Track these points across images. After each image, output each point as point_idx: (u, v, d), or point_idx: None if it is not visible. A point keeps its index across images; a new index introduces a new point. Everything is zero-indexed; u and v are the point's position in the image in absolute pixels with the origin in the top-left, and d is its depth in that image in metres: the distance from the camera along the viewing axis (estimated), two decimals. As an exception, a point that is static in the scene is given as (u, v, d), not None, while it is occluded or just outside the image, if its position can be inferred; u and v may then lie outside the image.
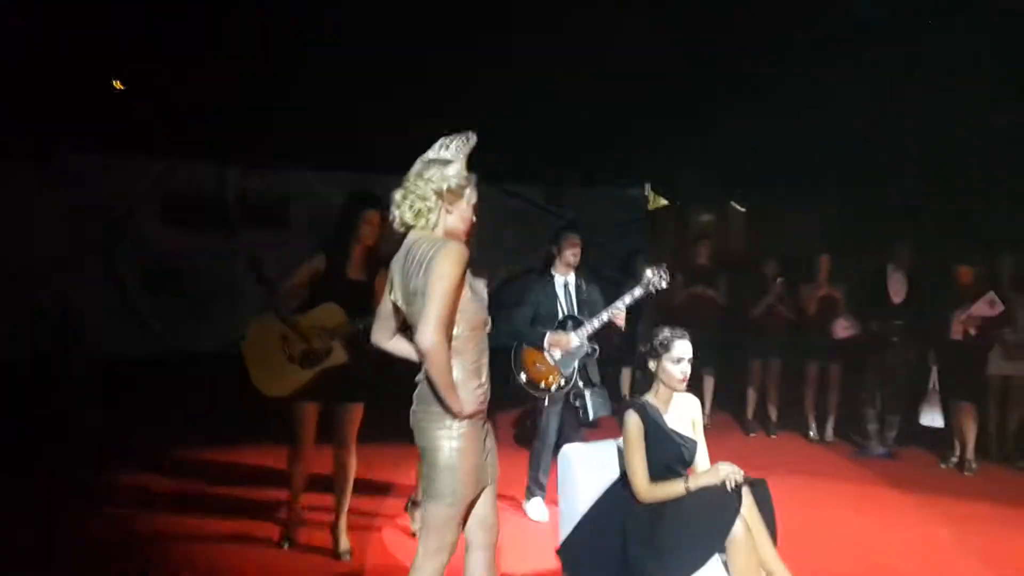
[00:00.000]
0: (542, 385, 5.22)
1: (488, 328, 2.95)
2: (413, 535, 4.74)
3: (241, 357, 4.30)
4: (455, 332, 2.79)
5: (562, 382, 5.24)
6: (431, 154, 2.89)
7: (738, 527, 3.36)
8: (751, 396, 7.99)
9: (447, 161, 2.86)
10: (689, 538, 3.37)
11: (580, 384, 5.32)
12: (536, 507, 5.30)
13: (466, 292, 2.81)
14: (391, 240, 4.34)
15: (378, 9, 7.48)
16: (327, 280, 4.31)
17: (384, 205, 4.32)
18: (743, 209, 11.88)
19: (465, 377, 2.82)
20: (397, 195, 2.88)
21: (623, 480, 3.67)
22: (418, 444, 2.91)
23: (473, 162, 2.95)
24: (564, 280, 5.46)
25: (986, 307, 6.52)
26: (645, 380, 3.79)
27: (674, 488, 3.51)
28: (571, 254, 5.43)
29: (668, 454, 3.63)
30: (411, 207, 2.84)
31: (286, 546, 4.48)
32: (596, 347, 5.32)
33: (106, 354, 8.45)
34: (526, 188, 10.72)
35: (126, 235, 9.07)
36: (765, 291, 7.76)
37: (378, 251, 4.39)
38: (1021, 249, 7.10)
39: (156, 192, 9.20)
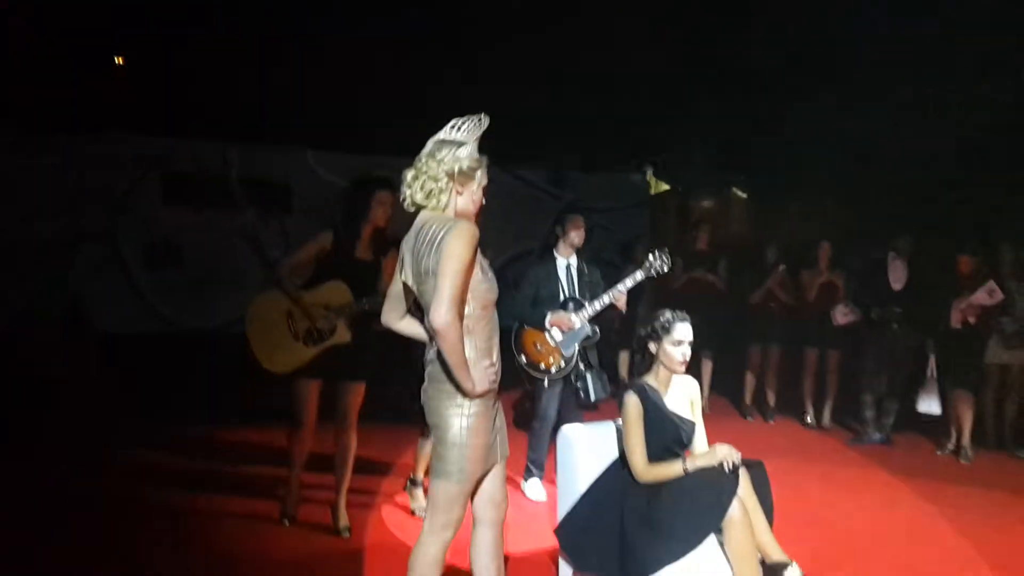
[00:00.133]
0: (542, 366, 5.24)
1: None
2: (412, 513, 4.80)
3: (244, 333, 4.31)
4: (466, 311, 2.81)
5: (562, 364, 5.26)
6: (443, 135, 2.89)
7: (735, 508, 3.38)
8: (749, 381, 8.03)
9: (460, 143, 2.87)
10: (686, 518, 3.39)
11: (581, 366, 5.34)
12: (534, 487, 5.34)
13: (477, 272, 2.83)
14: (398, 221, 4.42)
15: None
16: (334, 259, 4.32)
17: (396, 187, 4.39)
18: (744, 195, 11.87)
19: (477, 356, 2.84)
20: (408, 175, 2.89)
21: (621, 461, 3.70)
22: (429, 421, 2.94)
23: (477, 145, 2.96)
24: (566, 262, 5.48)
25: (986, 296, 6.54)
26: (645, 362, 3.81)
27: (672, 469, 3.54)
28: (576, 236, 5.46)
29: (667, 435, 3.66)
30: (422, 187, 2.85)
31: (286, 523, 4.52)
32: (597, 329, 5.34)
33: (108, 332, 8.47)
34: (528, 171, 10.72)
35: (128, 214, 9.08)
36: (765, 277, 7.78)
37: (387, 232, 4.41)
38: (1020, 239, 7.12)
39: (158, 171, 9.21)
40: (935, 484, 5.83)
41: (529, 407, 6.13)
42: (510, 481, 5.25)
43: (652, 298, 7.90)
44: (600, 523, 3.54)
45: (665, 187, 12.21)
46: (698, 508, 3.42)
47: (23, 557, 4.02)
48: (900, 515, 5.19)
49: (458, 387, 2.81)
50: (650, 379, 3.76)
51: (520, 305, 5.33)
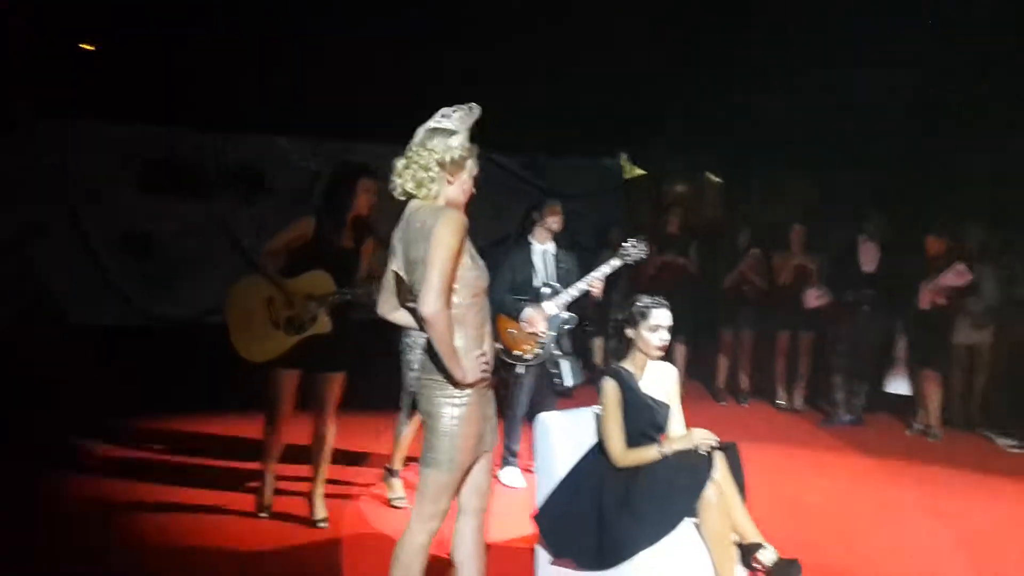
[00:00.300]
0: (516, 353, 5.24)
1: None
2: (390, 503, 4.79)
3: (219, 322, 4.27)
4: (456, 300, 2.80)
5: (539, 351, 5.26)
6: (433, 123, 2.87)
7: (710, 490, 3.42)
8: (722, 364, 8.10)
9: (451, 131, 2.84)
10: (663, 501, 3.43)
11: (556, 352, 5.36)
12: (511, 474, 5.35)
13: (466, 260, 2.81)
14: (379, 209, 4.40)
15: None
16: (316, 246, 4.27)
17: (379, 175, 4.37)
18: (717, 179, 11.93)
19: (468, 345, 2.83)
20: (399, 164, 2.86)
21: (599, 446, 3.72)
22: (421, 410, 2.94)
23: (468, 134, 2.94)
24: (543, 248, 5.47)
25: (954, 277, 6.64)
26: (622, 347, 3.83)
27: (649, 453, 3.57)
28: (553, 221, 5.46)
29: (643, 420, 3.68)
30: (413, 176, 2.83)
31: (263, 515, 4.48)
32: (575, 316, 5.35)
33: (80, 322, 8.36)
34: (502, 157, 10.68)
35: (101, 201, 8.95)
36: (738, 260, 7.83)
37: (368, 220, 4.39)
38: (987, 221, 7.24)
39: (132, 158, 9.07)
40: (906, 463, 5.94)
41: (504, 394, 6.14)
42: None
43: (626, 284, 7.93)
44: (578, 509, 3.55)
45: (639, 172, 12.23)
46: (674, 492, 3.45)
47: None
48: (872, 494, 5.29)
49: (449, 377, 2.80)
50: (627, 364, 3.78)
51: (495, 291, 5.30)
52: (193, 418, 6.52)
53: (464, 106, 2.89)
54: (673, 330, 3.76)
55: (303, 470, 4.59)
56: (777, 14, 7.65)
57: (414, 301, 2.81)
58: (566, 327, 5.35)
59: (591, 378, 6.63)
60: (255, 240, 8.67)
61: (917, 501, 5.09)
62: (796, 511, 4.78)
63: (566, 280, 5.37)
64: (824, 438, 6.76)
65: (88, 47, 8.25)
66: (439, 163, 2.82)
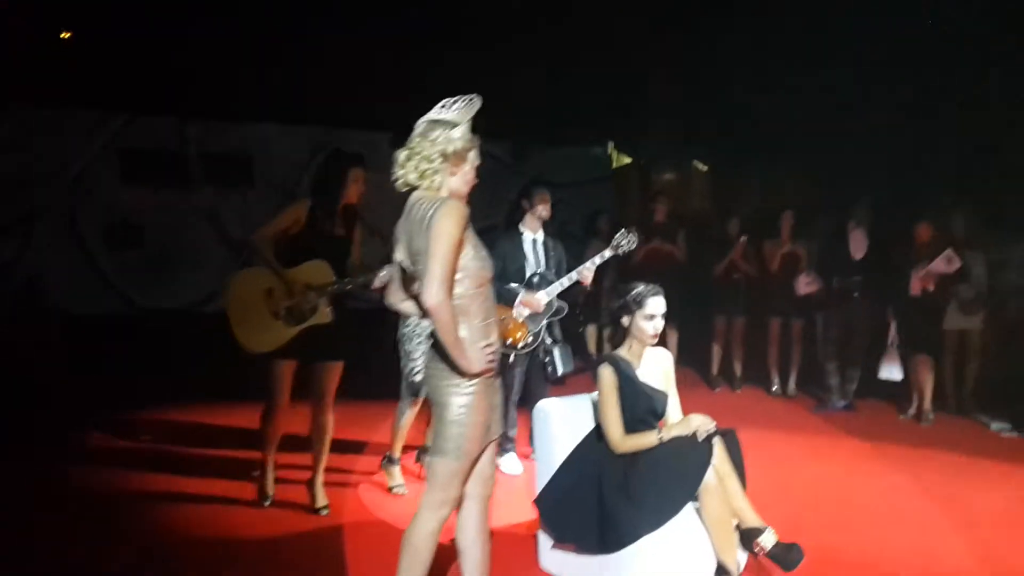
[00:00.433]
0: (508, 341, 5.25)
1: None
2: (390, 491, 4.80)
3: (206, 312, 4.25)
4: (459, 291, 2.80)
5: (530, 339, 5.27)
6: (434, 115, 2.88)
7: (710, 476, 3.45)
8: (716, 351, 8.13)
9: (452, 123, 2.85)
10: (663, 488, 3.45)
11: (547, 341, 5.37)
12: (509, 461, 5.37)
13: (468, 250, 2.82)
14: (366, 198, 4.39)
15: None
16: (310, 234, 4.26)
17: (367, 164, 4.37)
18: (705, 167, 11.95)
19: (473, 336, 2.84)
20: (401, 155, 2.87)
21: (597, 433, 3.74)
22: (430, 399, 2.96)
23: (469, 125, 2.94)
24: (533, 237, 5.48)
25: (944, 264, 6.68)
26: (618, 335, 3.84)
27: (648, 439, 3.59)
28: (544, 209, 5.46)
29: (641, 407, 3.70)
30: (416, 168, 2.84)
31: (267, 504, 4.48)
32: (565, 305, 5.36)
33: (67, 313, 8.31)
34: (490, 145, 10.66)
35: (84, 192, 8.88)
36: (729, 248, 7.85)
37: (358, 208, 4.41)
38: (976, 207, 7.28)
39: (114, 148, 9.00)
40: (898, 448, 5.98)
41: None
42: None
43: (616, 272, 7.96)
44: (578, 495, 3.58)
45: (627, 160, 12.24)
46: (674, 477, 3.47)
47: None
48: (867, 479, 5.33)
49: (455, 367, 2.80)
50: (623, 351, 3.80)
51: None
52: (186, 409, 6.51)
53: (465, 97, 2.89)
54: (665, 317, 3.78)
55: (303, 459, 4.59)
56: (766, 4, 7.67)
57: (419, 291, 2.81)
58: (557, 316, 5.36)
59: (582, 366, 6.68)
60: (243, 230, 8.66)
61: (911, 485, 5.13)
62: (791, 495, 4.81)
63: (556, 268, 5.39)
64: (818, 424, 6.81)
65: (67, 34, 8.17)
66: (442, 154, 2.83)
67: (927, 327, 6.84)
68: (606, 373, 3.67)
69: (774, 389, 7.86)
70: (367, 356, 4.76)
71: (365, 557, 3.90)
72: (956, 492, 4.98)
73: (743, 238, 7.81)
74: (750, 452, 3.65)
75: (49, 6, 7.44)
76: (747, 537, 3.51)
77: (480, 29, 7.98)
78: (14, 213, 8.44)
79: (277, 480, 4.58)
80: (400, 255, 2.94)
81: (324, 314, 4.25)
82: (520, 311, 5.23)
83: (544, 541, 3.74)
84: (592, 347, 8.73)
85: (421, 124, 2.88)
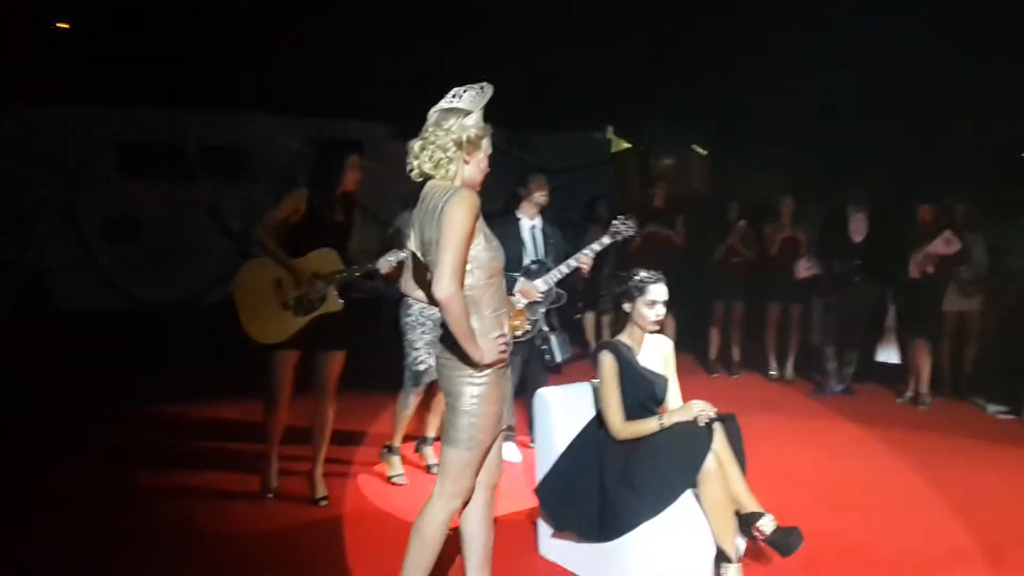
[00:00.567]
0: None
1: None
2: (390, 480, 4.81)
3: (206, 306, 4.24)
4: (470, 282, 2.79)
5: (528, 327, 5.26)
6: (445, 104, 2.87)
7: (710, 462, 3.46)
8: (714, 337, 8.13)
9: (465, 111, 2.84)
10: (663, 473, 3.46)
11: (545, 328, 5.36)
12: (508, 449, 5.37)
13: (480, 240, 2.82)
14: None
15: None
16: (311, 222, 4.25)
17: (363, 151, 4.35)
18: (704, 152, 11.93)
19: (484, 327, 2.83)
20: (416, 145, 2.86)
21: (598, 420, 3.75)
22: (442, 389, 2.96)
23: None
24: (531, 224, 5.45)
25: (942, 245, 6.68)
26: (620, 321, 3.85)
27: (648, 425, 3.60)
28: (541, 196, 5.42)
29: (641, 393, 3.72)
30: (431, 157, 2.83)
31: (270, 496, 4.45)
32: (564, 293, 5.35)
33: (68, 308, 8.30)
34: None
35: (84, 186, 8.86)
36: (728, 233, 7.84)
37: (355, 196, 4.41)
38: (975, 188, 7.28)
39: (113, 141, 8.97)
40: (897, 431, 5.99)
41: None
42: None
43: (615, 259, 7.93)
44: (579, 481, 3.60)
45: (625, 145, 12.21)
46: (675, 463, 3.48)
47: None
48: (865, 462, 5.35)
49: (467, 358, 2.80)
50: (624, 337, 3.81)
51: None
52: (188, 402, 6.49)
53: (476, 85, 2.88)
54: (666, 304, 3.78)
55: (301, 450, 4.58)
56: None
57: (430, 281, 2.81)
58: (556, 304, 5.35)
59: (580, 354, 6.69)
60: (241, 221, 8.64)
61: (909, 468, 5.15)
62: (790, 480, 4.83)
63: (555, 255, 5.36)
64: (816, 408, 6.83)
65: (64, 25, 8.11)
66: (456, 143, 2.83)
67: (926, 310, 6.85)
68: (607, 359, 3.68)
69: (772, 374, 7.86)
70: (367, 345, 4.75)
71: (365, 548, 3.91)
72: (953, 475, 5.00)
73: (742, 223, 7.79)
74: (750, 437, 3.66)
75: (48, 1, 7.39)
76: (746, 522, 3.53)
77: (478, 18, 7.93)
78: (14, 211, 8.40)
79: (278, 472, 4.56)
80: (413, 244, 2.94)
81: (333, 302, 4.24)
82: (518, 299, 5.22)
83: (544, 529, 3.76)
84: (590, 335, 8.72)
85: (434, 113, 2.87)
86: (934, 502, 4.59)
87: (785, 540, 3.48)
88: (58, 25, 8.03)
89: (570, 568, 3.66)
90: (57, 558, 3.80)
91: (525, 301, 5.22)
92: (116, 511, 4.39)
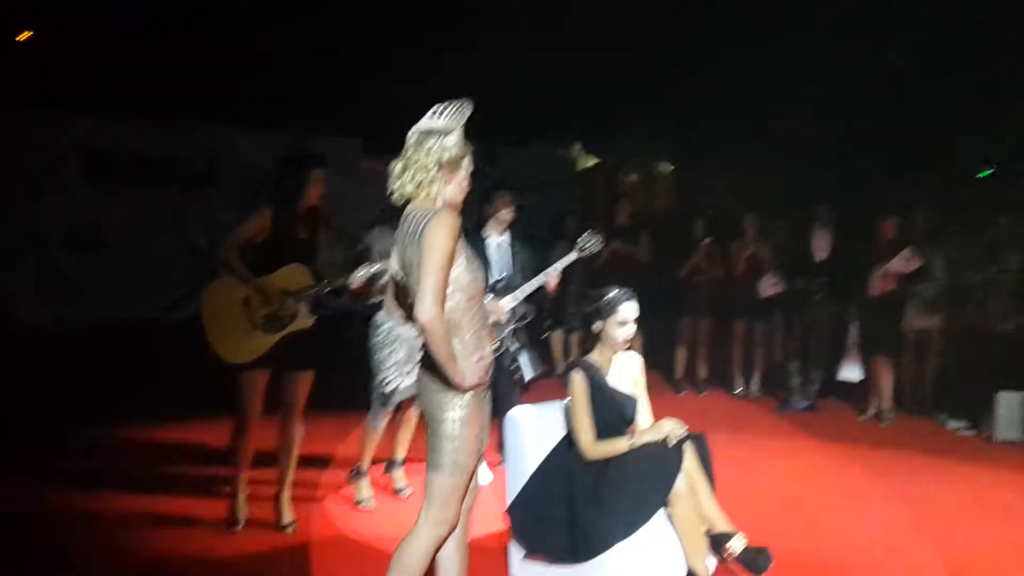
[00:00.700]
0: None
1: None
2: (358, 504, 4.74)
3: (192, 318, 4.13)
4: (451, 305, 2.77)
5: (496, 344, 5.24)
6: (425, 124, 2.85)
7: (681, 482, 3.47)
8: (680, 354, 8.14)
9: (445, 131, 2.82)
10: (635, 494, 3.46)
11: (515, 346, 5.35)
12: (479, 470, 5.32)
13: (461, 261, 2.79)
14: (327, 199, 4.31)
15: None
16: (276, 239, 4.19)
17: (327, 164, 4.31)
18: (670, 169, 12.04)
19: (465, 349, 2.80)
20: (397, 167, 2.84)
21: (568, 440, 3.74)
22: (423, 412, 2.93)
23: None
24: (497, 241, 5.44)
25: (903, 263, 6.78)
26: (589, 340, 3.85)
27: (619, 445, 3.61)
28: (505, 213, 5.42)
29: (612, 412, 3.72)
30: (412, 179, 2.82)
31: (238, 528, 4.30)
32: (532, 309, 5.34)
33: (30, 322, 8.11)
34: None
35: (47, 197, 8.69)
36: (693, 250, 7.89)
37: (320, 210, 4.34)
38: (936, 207, 7.42)
39: (78, 151, 8.82)
40: (861, 448, 6.07)
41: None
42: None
43: (582, 276, 7.95)
44: (550, 502, 3.57)
45: (592, 161, 12.28)
46: (645, 484, 3.49)
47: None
48: (832, 480, 5.41)
49: (447, 381, 2.77)
50: (594, 357, 3.81)
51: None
52: (152, 422, 6.35)
53: (455, 103, 2.86)
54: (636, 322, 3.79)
55: (267, 473, 4.47)
56: (730, 6, 7.73)
57: (412, 302, 2.79)
58: (523, 321, 5.34)
59: (547, 371, 6.68)
60: (207, 234, 8.53)
61: (875, 485, 5.21)
62: (756, 497, 4.84)
63: (522, 272, 5.35)
64: (781, 425, 6.89)
65: (26, 35, 7.96)
66: (437, 164, 2.81)
67: (887, 327, 6.94)
68: (577, 379, 3.67)
69: (738, 391, 7.92)
70: (336, 364, 4.69)
71: (334, 574, 3.84)
72: (918, 491, 5.07)
73: (707, 240, 7.85)
74: (718, 455, 3.70)
75: (10, 7, 7.24)
76: (717, 542, 3.55)
77: (446, 32, 7.95)
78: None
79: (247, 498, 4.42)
80: (394, 265, 2.92)
81: (304, 319, 4.18)
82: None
83: (515, 552, 3.72)
84: (557, 353, 8.71)
85: (414, 134, 2.85)
86: (900, 518, 4.64)
87: (755, 560, 3.50)
88: (19, 38, 7.88)
89: (542, 591, 3.63)
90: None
91: (492, 318, 5.19)
92: (75, 536, 4.28)
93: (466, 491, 2.93)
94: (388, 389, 4.68)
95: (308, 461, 5.03)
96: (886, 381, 6.91)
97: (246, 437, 4.25)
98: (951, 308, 7.09)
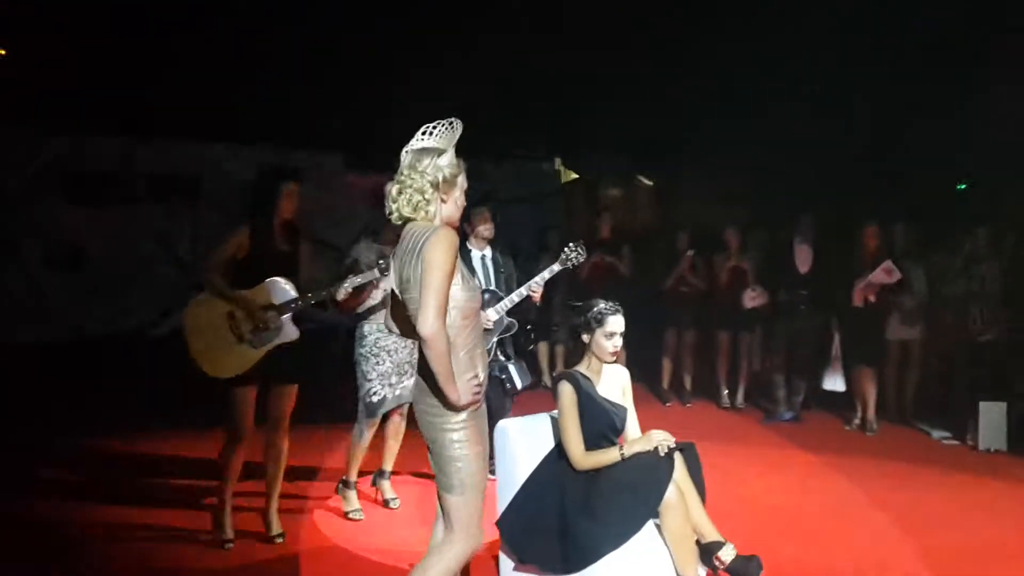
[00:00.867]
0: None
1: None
2: (346, 516, 4.71)
3: (182, 338, 4.10)
4: (447, 322, 2.77)
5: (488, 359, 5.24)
6: (417, 144, 2.88)
7: (671, 492, 3.47)
8: (666, 366, 8.18)
9: (438, 150, 2.86)
10: (625, 504, 3.45)
11: (501, 358, 5.37)
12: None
13: (457, 279, 2.82)
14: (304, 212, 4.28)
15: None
16: (256, 256, 4.17)
17: (300, 178, 4.31)
18: (651, 183, 12.11)
19: (459, 368, 2.81)
20: (393, 190, 2.86)
21: (558, 450, 3.73)
22: (423, 436, 2.95)
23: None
24: (481, 254, 5.47)
25: (883, 275, 6.84)
26: (577, 351, 3.86)
27: (609, 455, 3.60)
28: (484, 229, 5.45)
29: (601, 423, 3.72)
30: (408, 200, 2.84)
31: (228, 547, 4.21)
32: (515, 322, 5.36)
33: (9, 341, 8.01)
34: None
35: (28, 214, 8.61)
36: (676, 263, 7.94)
37: (296, 223, 4.34)
38: (915, 220, 7.51)
39: (58, 168, 8.76)
40: (846, 457, 6.10)
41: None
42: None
43: (566, 287, 7.99)
44: (540, 512, 3.56)
45: (574, 176, 12.33)
46: (636, 494, 3.48)
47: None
48: (820, 489, 5.43)
49: (443, 399, 2.79)
50: (582, 368, 3.81)
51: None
52: (133, 436, 6.29)
53: (445, 122, 2.90)
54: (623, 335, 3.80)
55: (255, 485, 4.46)
56: (709, 20, 7.81)
57: (410, 318, 2.82)
58: (507, 333, 5.35)
59: (533, 383, 6.69)
60: (191, 250, 8.49)
61: (863, 494, 5.24)
62: (747, 507, 4.87)
63: (507, 284, 5.38)
64: (767, 435, 6.91)
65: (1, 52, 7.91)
66: (432, 185, 2.84)
67: (870, 338, 7.01)
68: (566, 389, 3.68)
69: (724, 402, 7.95)
70: (321, 377, 4.67)
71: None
72: (906, 500, 5.11)
73: (690, 252, 7.90)
74: (705, 465, 3.69)
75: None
76: (707, 552, 3.55)
77: (429, 48, 7.97)
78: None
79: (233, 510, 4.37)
80: (392, 282, 2.94)
81: (289, 332, 4.16)
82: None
83: (506, 562, 3.70)
84: (543, 365, 8.73)
85: (407, 155, 2.88)
86: (888, 527, 4.67)
87: (746, 568, 3.50)
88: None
89: (533, 602, 3.62)
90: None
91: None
92: (61, 551, 4.22)
93: (482, 503, 2.94)
94: (373, 400, 4.68)
95: (297, 473, 5.02)
96: (870, 391, 6.97)
97: (236, 451, 4.21)
98: (932, 319, 7.18)
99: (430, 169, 2.83)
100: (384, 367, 4.67)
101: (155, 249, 9.17)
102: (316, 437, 5.75)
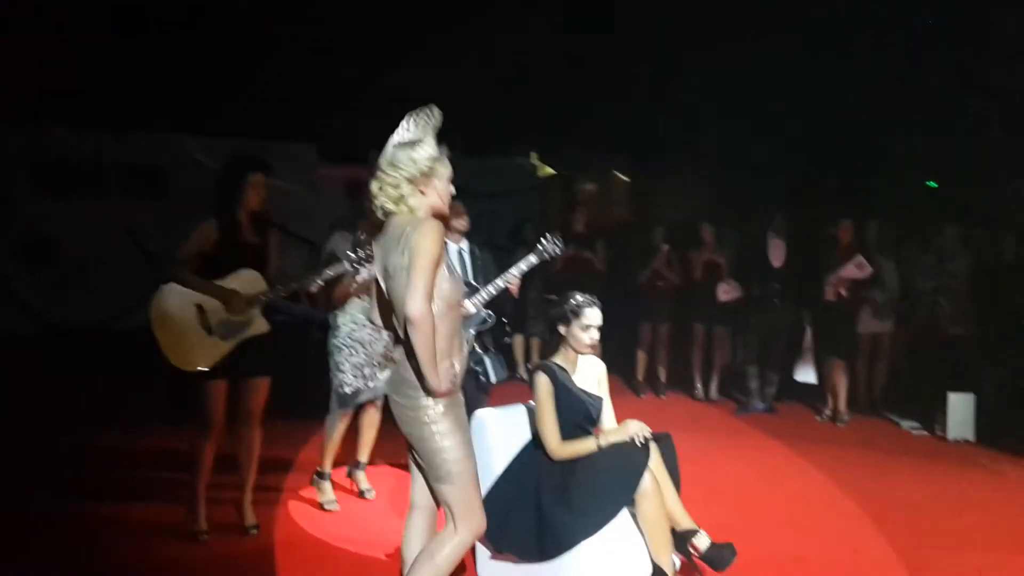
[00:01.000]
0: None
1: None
2: (321, 507, 4.69)
3: (151, 330, 4.02)
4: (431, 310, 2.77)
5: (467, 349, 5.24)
6: (398, 137, 2.88)
7: (646, 480, 3.50)
8: (641, 358, 8.22)
9: (414, 143, 2.86)
10: (600, 493, 3.49)
11: (478, 350, 5.35)
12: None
13: (442, 269, 2.82)
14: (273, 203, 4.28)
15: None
16: (224, 247, 4.09)
17: (268, 168, 4.24)
18: (626, 178, 12.17)
19: (438, 356, 2.81)
20: (373, 187, 2.87)
21: (535, 441, 3.75)
22: (403, 432, 2.95)
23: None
24: (458, 247, 5.44)
25: (855, 269, 6.92)
26: (553, 342, 3.88)
27: (585, 445, 3.63)
28: (459, 223, 5.41)
29: (577, 413, 3.75)
30: (388, 197, 2.85)
31: (202, 539, 4.17)
32: (492, 314, 5.35)
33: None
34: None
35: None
36: (652, 257, 7.98)
37: (265, 215, 4.25)
38: (886, 215, 7.61)
39: (27, 159, 8.62)
40: (817, 448, 6.17)
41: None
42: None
43: (542, 283, 8.01)
44: (518, 502, 3.58)
45: (550, 171, 12.37)
46: (612, 483, 3.51)
47: None
48: (791, 478, 5.50)
49: (423, 384, 2.79)
50: (558, 359, 3.83)
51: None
52: (106, 430, 6.21)
53: (423, 110, 2.89)
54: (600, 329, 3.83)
55: (228, 478, 4.38)
56: (685, 17, 7.86)
57: (392, 308, 2.82)
58: (484, 326, 5.35)
59: (511, 375, 6.70)
60: (162, 243, 8.41)
61: (833, 483, 5.31)
62: (721, 496, 4.92)
63: (483, 278, 5.36)
64: (741, 426, 6.98)
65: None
66: (408, 179, 2.84)
67: (841, 331, 7.09)
68: (542, 380, 3.70)
69: (698, 394, 8.01)
70: (294, 369, 4.64)
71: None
72: (875, 489, 5.19)
73: (665, 246, 7.95)
74: (679, 455, 3.72)
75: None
76: (681, 539, 3.59)
77: (403, 40, 7.95)
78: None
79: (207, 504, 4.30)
80: (377, 273, 2.94)
81: (260, 324, 4.11)
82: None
83: (482, 552, 3.72)
84: (518, 357, 8.75)
85: (387, 150, 2.88)
86: (858, 515, 4.74)
87: (719, 555, 3.55)
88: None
89: (508, 590, 3.63)
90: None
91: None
92: (32, 547, 4.17)
93: (477, 487, 2.96)
94: (346, 391, 4.66)
95: (270, 465, 4.98)
96: (840, 383, 7.05)
97: (208, 444, 4.12)
98: (903, 313, 7.29)
99: (405, 163, 2.84)
100: (357, 358, 4.65)
101: (125, 242, 9.06)
102: (291, 429, 5.71)
